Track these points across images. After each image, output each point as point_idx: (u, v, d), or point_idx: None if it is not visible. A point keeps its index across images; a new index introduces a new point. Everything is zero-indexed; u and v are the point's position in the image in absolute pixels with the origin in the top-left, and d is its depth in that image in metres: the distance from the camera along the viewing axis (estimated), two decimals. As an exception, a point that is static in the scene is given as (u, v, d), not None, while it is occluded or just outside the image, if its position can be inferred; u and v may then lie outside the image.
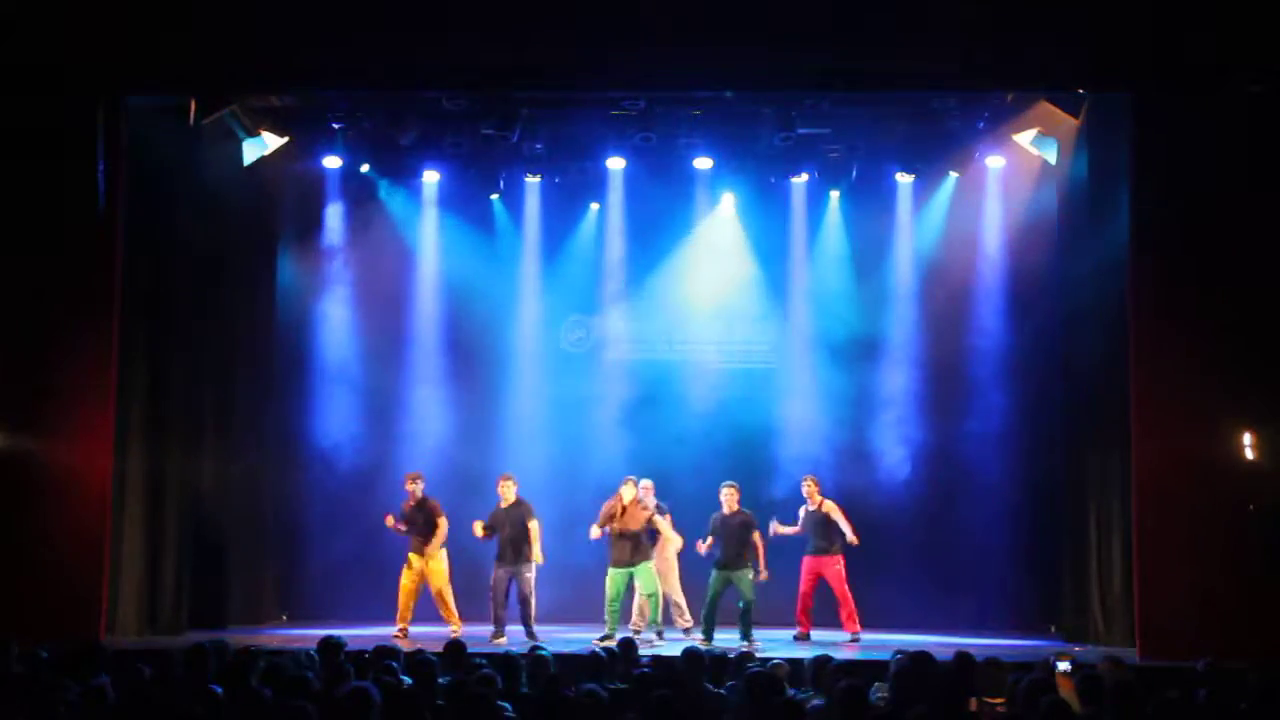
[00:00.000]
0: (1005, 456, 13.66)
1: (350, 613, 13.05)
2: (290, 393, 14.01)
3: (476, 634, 11.40)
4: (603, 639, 11.16)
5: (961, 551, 13.57)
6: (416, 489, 12.34)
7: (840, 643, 11.70)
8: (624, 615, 11.90)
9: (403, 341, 14.40)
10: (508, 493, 11.95)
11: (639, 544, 11.68)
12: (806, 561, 12.31)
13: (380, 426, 14.15)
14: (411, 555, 12.27)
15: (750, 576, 11.67)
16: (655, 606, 11.83)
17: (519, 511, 11.83)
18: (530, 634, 11.47)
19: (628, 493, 11.72)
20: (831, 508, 12.27)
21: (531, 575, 11.77)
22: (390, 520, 12.29)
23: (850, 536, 12.17)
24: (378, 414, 14.18)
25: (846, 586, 12.21)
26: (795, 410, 14.04)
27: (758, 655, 8.95)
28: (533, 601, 11.75)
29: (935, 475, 13.83)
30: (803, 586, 12.28)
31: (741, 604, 11.63)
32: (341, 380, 14.15)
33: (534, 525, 11.75)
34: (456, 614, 12.16)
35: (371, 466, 13.93)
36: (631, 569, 11.66)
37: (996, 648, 10.19)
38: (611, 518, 11.66)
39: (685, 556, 12.28)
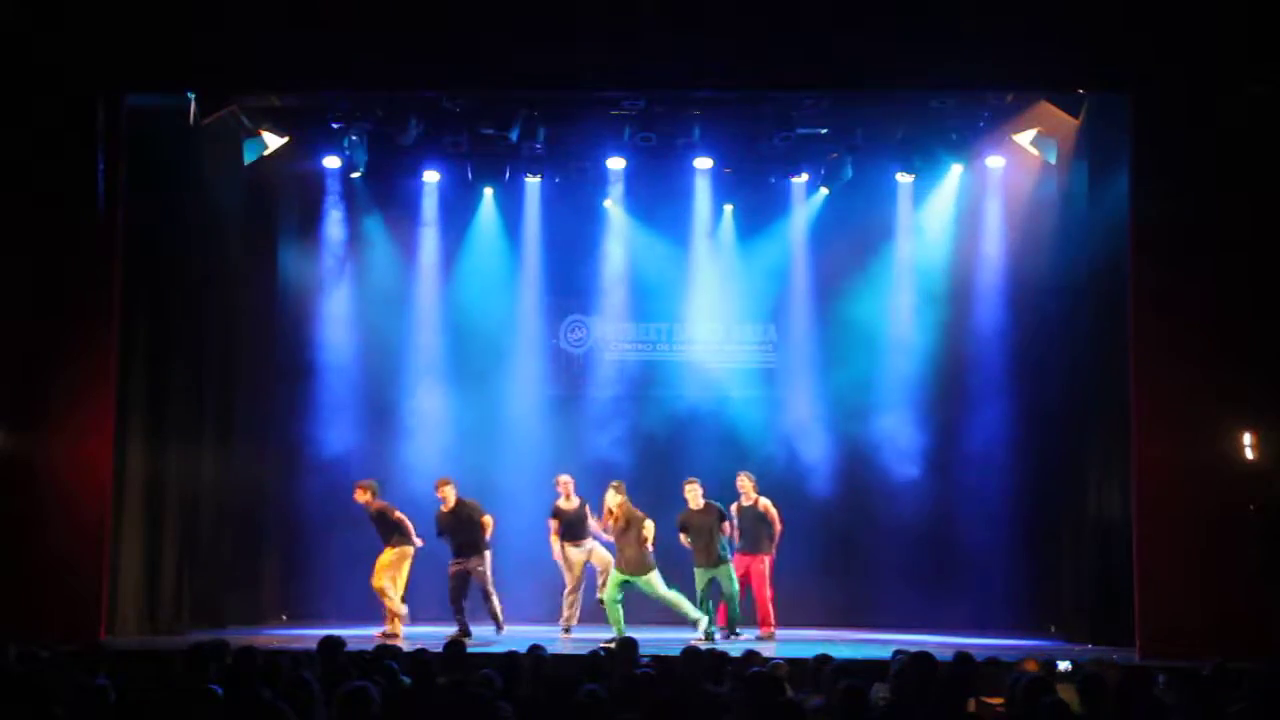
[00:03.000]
0: (1005, 456, 13.64)
1: (350, 613, 13.02)
2: (290, 392, 13.99)
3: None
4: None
5: (962, 552, 13.56)
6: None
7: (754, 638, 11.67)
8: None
9: (402, 341, 14.37)
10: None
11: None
12: (737, 560, 12.13)
13: (380, 426, 14.12)
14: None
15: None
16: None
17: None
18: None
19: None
20: (767, 505, 12.24)
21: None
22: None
23: (777, 533, 12.21)
24: (377, 413, 14.16)
25: (769, 588, 12.13)
26: (795, 410, 14.04)
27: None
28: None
29: (935, 474, 13.80)
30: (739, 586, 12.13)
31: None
32: (341, 379, 14.12)
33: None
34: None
35: (371, 466, 13.89)
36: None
37: (996, 648, 10.20)
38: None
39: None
